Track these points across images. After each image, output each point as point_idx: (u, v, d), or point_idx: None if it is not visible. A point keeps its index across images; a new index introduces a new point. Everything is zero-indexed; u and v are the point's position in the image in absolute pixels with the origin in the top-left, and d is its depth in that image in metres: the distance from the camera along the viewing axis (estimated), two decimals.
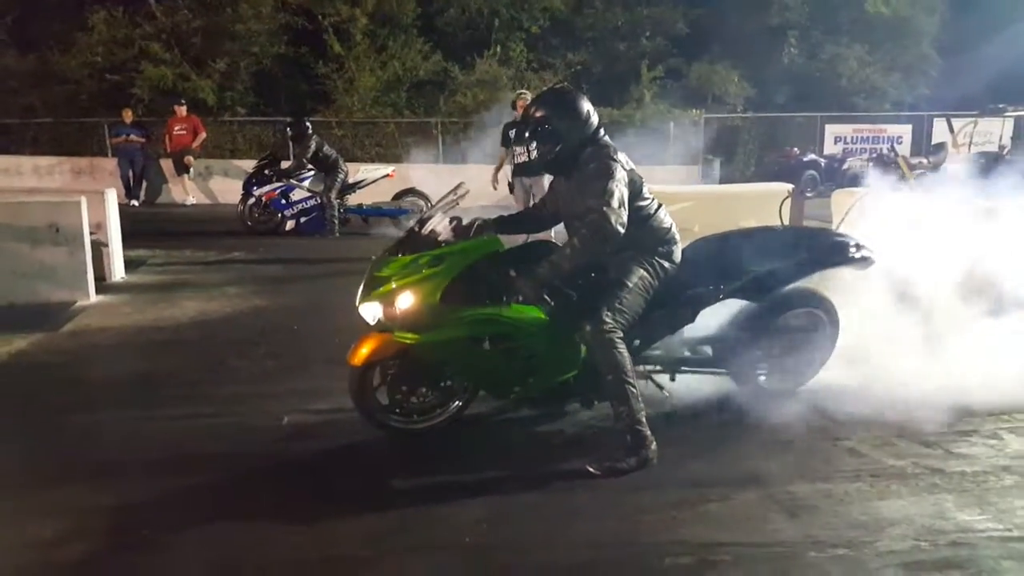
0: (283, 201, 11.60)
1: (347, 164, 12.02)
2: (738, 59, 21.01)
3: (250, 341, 5.94)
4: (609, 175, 3.66)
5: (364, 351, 3.78)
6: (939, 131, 19.18)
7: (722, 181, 16.53)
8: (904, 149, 18.88)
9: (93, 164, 16.97)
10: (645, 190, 3.91)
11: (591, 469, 3.54)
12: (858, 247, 4.34)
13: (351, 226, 11.82)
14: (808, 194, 15.25)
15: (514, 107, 9.49)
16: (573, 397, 4.02)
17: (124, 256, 8.44)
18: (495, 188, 9.46)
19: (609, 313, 3.67)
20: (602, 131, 3.90)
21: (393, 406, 3.95)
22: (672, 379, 4.23)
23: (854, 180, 16.35)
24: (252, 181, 11.80)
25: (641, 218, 3.84)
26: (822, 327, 4.38)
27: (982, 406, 4.28)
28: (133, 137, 15.67)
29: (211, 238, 11.09)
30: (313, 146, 11.45)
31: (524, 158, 8.75)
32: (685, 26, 21.54)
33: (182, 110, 15.71)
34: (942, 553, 2.92)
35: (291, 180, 11.62)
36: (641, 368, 4.07)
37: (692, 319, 4.06)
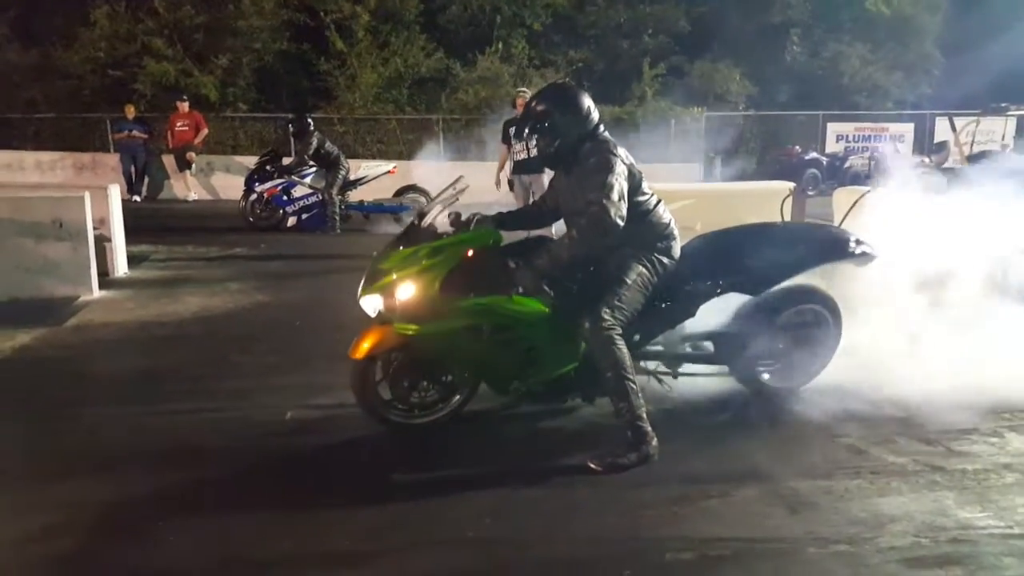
0: (285, 197, 11.62)
1: (348, 161, 12.04)
2: (740, 57, 21.03)
3: (252, 337, 5.96)
4: (609, 169, 3.67)
5: (365, 345, 3.80)
6: (941, 130, 19.16)
7: (724, 179, 16.53)
8: (906, 148, 18.89)
9: (95, 159, 17.00)
10: (644, 185, 3.92)
11: (592, 465, 3.55)
12: (858, 242, 4.34)
13: (352, 222, 11.84)
14: (810, 192, 15.27)
15: (514, 105, 9.50)
16: (574, 391, 4.02)
17: (127, 252, 8.48)
18: (498, 187, 9.46)
19: (608, 310, 3.68)
20: (602, 127, 3.92)
21: (394, 400, 3.96)
22: (675, 377, 4.23)
23: (856, 179, 16.38)
24: (254, 177, 11.81)
25: (640, 213, 3.85)
26: (824, 324, 4.38)
27: (983, 403, 4.28)
28: (135, 133, 15.69)
29: (213, 234, 11.10)
30: (315, 143, 11.46)
31: (523, 156, 8.82)
32: (687, 24, 21.57)
33: (184, 106, 15.72)
34: (943, 549, 2.93)
35: (293, 176, 11.64)
36: (642, 364, 4.09)
37: (692, 314, 4.07)
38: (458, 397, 4.05)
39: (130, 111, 15.89)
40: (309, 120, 11.90)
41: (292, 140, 12.59)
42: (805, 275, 4.31)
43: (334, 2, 18.84)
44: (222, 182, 16.43)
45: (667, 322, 4.08)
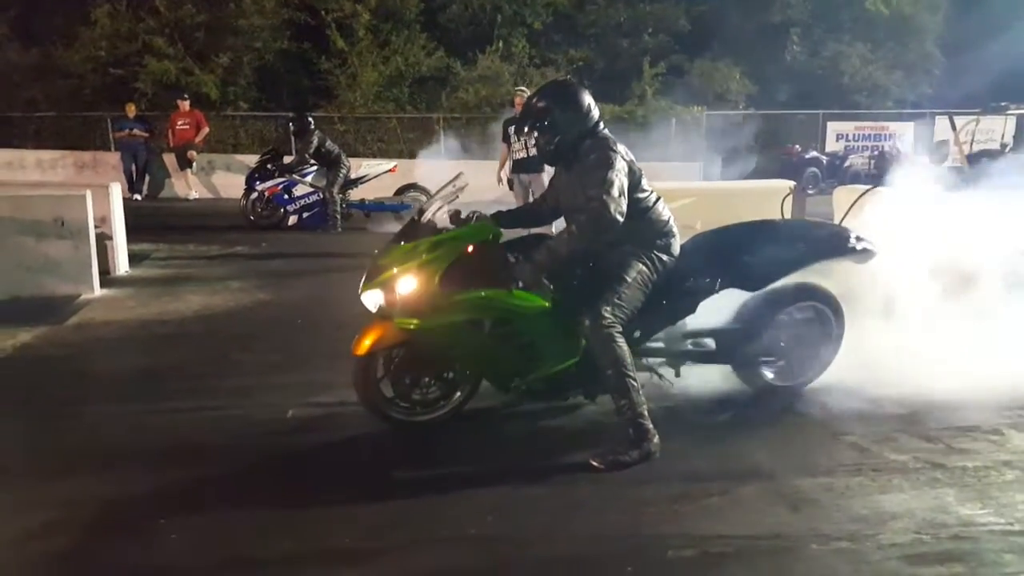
0: (286, 196, 11.62)
1: (349, 159, 12.04)
2: (740, 56, 21.02)
3: (253, 335, 5.97)
4: (609, 165, 3.68)
5: (367, 341, 3.81)
6: (940, 129, 19.15)
7: (724, 178, 16.52)
8: (906, 147, 18.89)
9: (96, 158, 16.98)
10: (644, 182, 3.93)
11: (594, 463, 3.56)
12: (858, 239, 4.33)
13: (353, 221, 11.84)
14: (810, 191, 15.27)
15: (513, 104, 9.52)
16: (575, 388, 4.02)
17: (128, 250, 8.48)
18: (500, 184, 9.47)
19: (608, 308, 3.68)
20: (602, 124, 3.93)
21: (396, 398, 3.97)
22: (677, 374, 4.23)
23: (856, 178, 16.39)
24: (255, 176, 11.81)
25: (640, 210, 3.86)
26: (826, 322, 4.38)
27: (983, 401, 4.28)
28: (136, 131, 15.69)
29: (214, 232, 11.11)
30: (315, 141, 11.46)
31: (523, 155, 8.83)
32: (687, 23, 21.56)
33: (185, 105, 15.71)
34: (944, 546, 2.94)
35: (294, 175, 11.64)
36: (644, 361, 4.09)
37: (692, 310, 4.07)
38: (459, 394, 4.05)
39: (131, 110, 15.88)
40: (310, 119, 11.90)
41: (293, 139, 12.58)
42: (808, 273, 4.31)
43: (335, 1, 18.83)
44: (223, 181, 16.42)
45: (667, 318, 4.08)
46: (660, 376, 4.19)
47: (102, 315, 6.46)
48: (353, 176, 11.95)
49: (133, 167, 15.68)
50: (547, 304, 3.79)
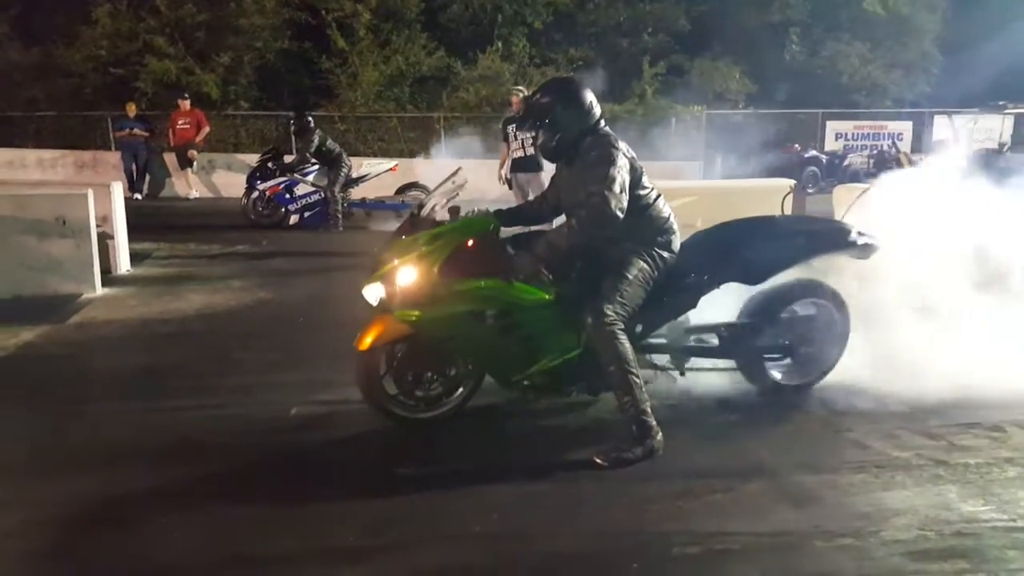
0: (287, 196, 11.62)
1: (350, 158, 12.04)
2: (739, 56, 21.04)
3: (255, 334, 5.98)
4: (611, 162, 3.70)
5: (369, 337, 3.82)
6: (939, 128, 19.17)
7: (724, 177, 16.53)
8: (905, 146, 18.91)
9: (96, 157, 16.98)
10: (645, 179, 3.94)
11: (598, 460, 3.56)
12: (860, 234, 4.32)
13: (354, 220, 11.83)
14: (809, 190, 15.28)
15: (510, 103, 9.53)
16: (577, 383, 4.01)
17: (129, 249, 8.48)
18: (501, 184, 9.47)
19: (610, 306, 3.69)
20: (603, 122, 3.94)
21: (399, 395, 3.98)
22: (682, 374, 4.22)
23: (855, 176, 16.39)
24: (256, 175, 11.82)
25: (640, 207, 3.87)
26: (831, 319, 4.37)
27: (985, 399, 4.28)
28: (137, 131, 15.68)
29: (215, 232, 11.10)
30: (316, 140, 11.46)
31: (520, 154, 8.85)
32: (687, 22, 21.57)
33: (186, 104, 15.71)
34: (947, 543, 2.94)
35: (295, 175, 11.64)
36: (647, 358, 4.09)
37: (694, 305, 4.08)
38: (462, 390, 4.06)
39: (131, 109, 15.87)
40: (310, 118, 11.91)
41: (293, 138, 12.56)
42: (812, 271, 4.32)
43: (335, 1, 18.84)
44: (223, 180, 16.42)
45: (669, 313, 4.08)
46: (662, 369, 4.18)
47: (104, 314, 6.46)
48: (354, 175, 11.95)
49: (133, 166, 15.67)
50: (547, 296, 3.80)
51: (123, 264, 8.23)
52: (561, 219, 4.21)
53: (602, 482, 3.45)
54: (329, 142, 11.73)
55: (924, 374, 4.37)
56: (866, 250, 4.34)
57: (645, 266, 3.85)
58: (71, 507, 3.24)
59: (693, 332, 4.26)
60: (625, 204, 3.68)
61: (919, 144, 19.13)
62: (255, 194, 11.70)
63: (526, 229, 4.34)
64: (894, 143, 19.07)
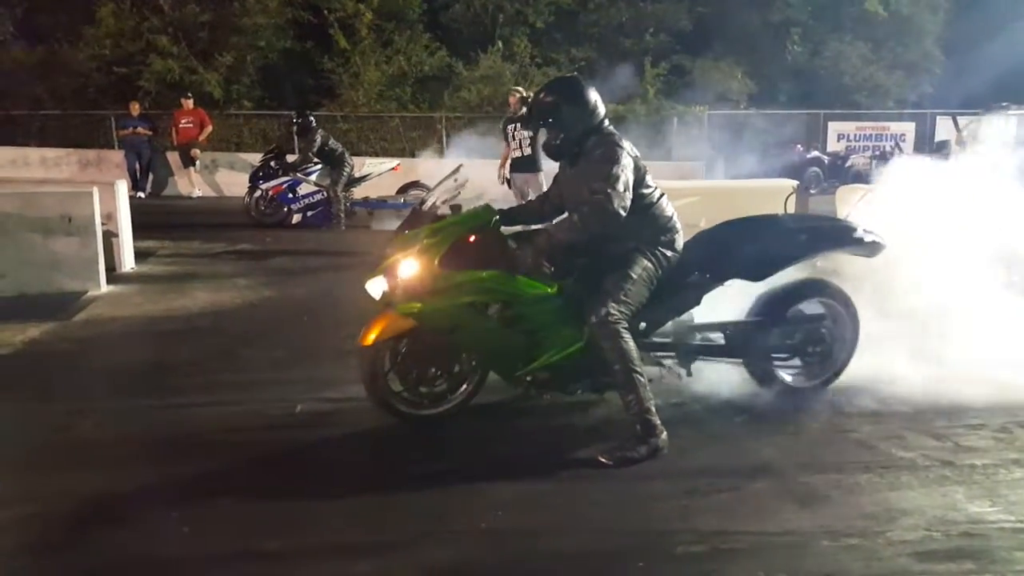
0: (290, 195, 11.63)
1: (352, 158, 12.06)
2: (741, 56, 21.02)
3: (260, 331, 5.99)
4: (615, 160, 3.71)
5: (373, 333, 3.84)
6: (942, 129, 19.15)
7: (726, 177, 16.52)
8: (907, 147, 18.89)
9: (100, 156, 16.99)
10: (648, 179, 3.95)
11: (602, 459, 3.57)
12: (866, 231, 4.31)
13: (357, 219, 11.85)
14: (812, 191, 15.27)
15: (508, 103, 9.57)
16: (581, 380, 4.00)
17: (134, 247, 8.48)
18: (501, 183, 9.48)
19: (614, 305, 3.70)
20: (607, 121, 3.94)
21: (404, 391, 3.98)
22: (689, 374, 4.22)
23: (857, 177, 16.38)
24: (258, 175, 11.82)
25: (644, 206, 3.88)
26: (839, 319, 4.36)
27: (990, 400, 4.29)
28: (140, 129, 15.70)
29: (218, 230, 11.12)
30: (319, 140, 11.49)
31: (518, 154, 8.87)
32: (689, 23, 21.56)
33: (189, 103, 15.74)
34: (954, 543, 2.94)
35: (298, 174, 11.65)
36: (653, 356, 4.09)
37: (697, 302, 4.09)
38: (466, 387, 4.06)
39: (135, 108, 15.89)
40: (312, 118, 11.93)
41: (296, 137, 12.57)
42: (819, 273, 4.32)
43: (338, 1, 18.85)
44: (226, 179, 16.43)
45: (673, 311, 4.09)
46: (666, 367, 4.17)
47: (109, 311, 6.47)
48: (356, 175, 11.95)
49: (137, 165, 15.69)
50: (549, 290, 3.82)
51: (128, 262, 8.25)
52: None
53: (607, 481, 3.45)
54: (331, 142, 11.75)
55: (929, 374, 4.37)
56: (872, 248, 4.33)
57: (649, 264, 3.85)
58: (78, 503, 3.25)
59: (698, 331, 4.26)
60: (628, 203, 3.69)
61: (921, 146, 19.11)
62: (258, 193, 11.71)
63: (527, 228, 4.35)
64: (896, 144, 19.04)
